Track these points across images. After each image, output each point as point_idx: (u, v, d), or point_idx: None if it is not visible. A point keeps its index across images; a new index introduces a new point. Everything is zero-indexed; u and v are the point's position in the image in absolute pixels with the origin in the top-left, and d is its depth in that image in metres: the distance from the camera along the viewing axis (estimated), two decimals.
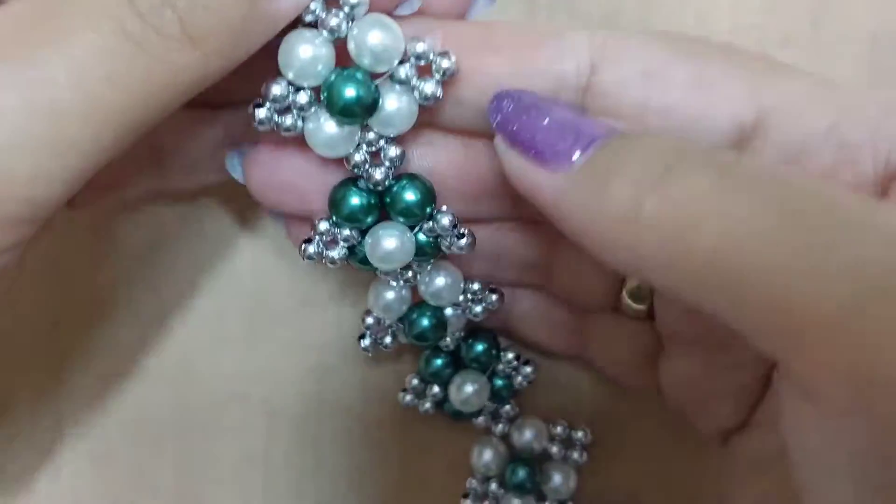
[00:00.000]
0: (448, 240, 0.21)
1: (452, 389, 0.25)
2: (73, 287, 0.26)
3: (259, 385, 0.26)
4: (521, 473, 0.25)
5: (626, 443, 0.26)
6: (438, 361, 0.25)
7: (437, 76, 0.19)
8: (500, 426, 0.25)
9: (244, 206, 0.26)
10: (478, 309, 0.23)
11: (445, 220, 0.21)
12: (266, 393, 0.26)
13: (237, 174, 0.22)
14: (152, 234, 0.26)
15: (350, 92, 0.19)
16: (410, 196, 0.20)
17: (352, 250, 0.21)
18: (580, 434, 0.25)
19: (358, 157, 0.20)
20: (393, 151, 0.20)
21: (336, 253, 0.21)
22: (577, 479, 0.25)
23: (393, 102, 0.19)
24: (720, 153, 0.16)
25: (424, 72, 0.19)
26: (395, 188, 0.20)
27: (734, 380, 0.22)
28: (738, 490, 0.22)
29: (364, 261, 0.21)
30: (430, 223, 0.21)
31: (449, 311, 0.23)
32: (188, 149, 0.23)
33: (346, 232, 0.21)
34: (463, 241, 0.21)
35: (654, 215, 0.15)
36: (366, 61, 0.19)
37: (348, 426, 0.26)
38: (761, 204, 0.14)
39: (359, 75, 0.19)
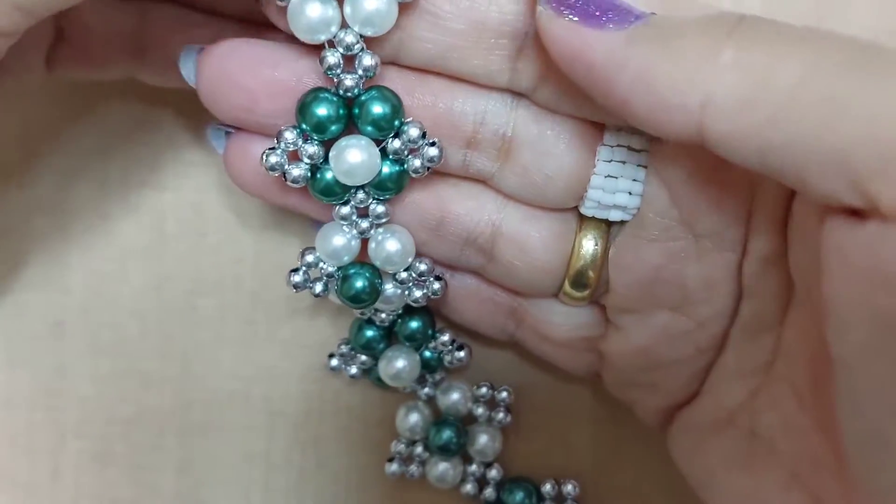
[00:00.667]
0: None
1: (382, 363, 0.24)
2: (74, 286, 0.26)
3: (260, 384, 0.26)
4: (446, 434, 0.25)
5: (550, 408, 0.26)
6: (369, 333, 0.24)
7: None
8: (426, 389, 0.25)
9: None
10: (417, 294, 0.22)
11: (414, 132, 0.20)
12: (267, 392, 0.26)
13: (188, 72, 0.21)
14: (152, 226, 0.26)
15: None
16: (379, 109, 0.20)
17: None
18: (504, 395, 0.25)
19: (332, 59, 0.19)
20: (368, 60, 0.19)
21: (298, 170, 0.20)
22: (501, 440, 0.25)
23: (372, 2, 0.19)
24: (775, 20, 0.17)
25: None
26: (364, 98, 0.20)
27: (690, 343, 0.22)
28: (697, 459, 0.22)
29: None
30: (398, 141, 0.20)
31: (389, 289, 0.22)
32: (171, 46, 0.22)
33: (311, 148, 0.20)
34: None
35: (733, 57, 0.16)
36: None
37: (349, 425, 0.26)
38: (838, 45, 0.16)
39: None
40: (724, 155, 0.17)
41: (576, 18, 0.18)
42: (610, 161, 0.21)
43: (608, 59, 0.17)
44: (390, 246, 0.21)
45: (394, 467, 0.25)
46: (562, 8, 0.18)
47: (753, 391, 0.21)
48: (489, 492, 0.25)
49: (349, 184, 0.20)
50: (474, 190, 0.22)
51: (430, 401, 0.25)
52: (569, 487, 0.25)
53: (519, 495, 0.25)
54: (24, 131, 0.26)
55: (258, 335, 0.26)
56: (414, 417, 0.25)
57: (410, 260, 0.22)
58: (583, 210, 0.21)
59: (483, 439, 0.25)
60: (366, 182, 0.20)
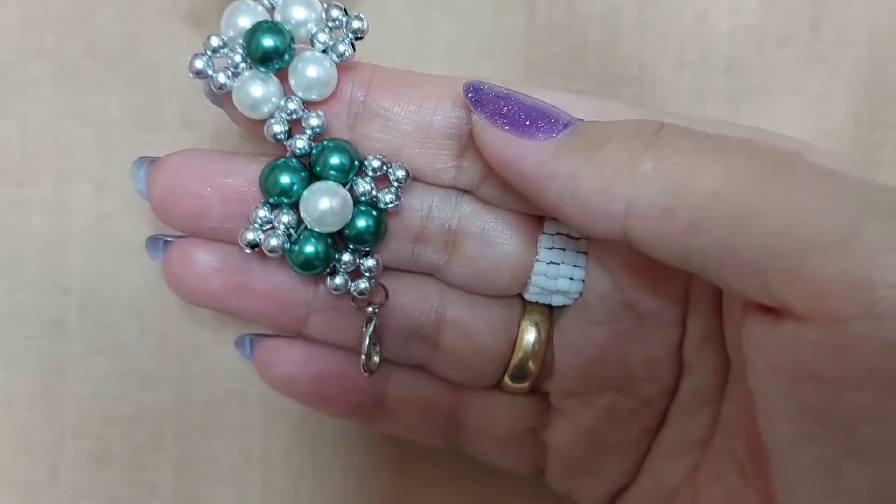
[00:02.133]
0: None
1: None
2: (73, 286, 0.26)
3: (258, 385, 0.26)
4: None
5: None
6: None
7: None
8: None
9: None
10: (387, 198, 0.21)
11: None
12: (265, 392, 0.26)
13: (138, 182, 0.22)
14: None
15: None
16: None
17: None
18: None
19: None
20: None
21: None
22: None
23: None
24: (691, 128, 0.18)
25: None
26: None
27: (635, 421, 0.23)
28: None
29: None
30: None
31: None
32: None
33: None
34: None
35: (652, 168, 0.17)
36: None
37: (346, 426, 0.26)
38: (749, 156, 0.17)
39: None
40: (649, 254, 0.18)
41: (507, 128, 0.19)
42: (551, 248, 0.22)
43: (538, 169, 0.19)
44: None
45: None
46: (494, 117, 0.19)
47: (694, 466, 0.22)
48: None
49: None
50: (418, 280, 0.23)
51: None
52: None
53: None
54: (24, 131, 0.26)
55: None
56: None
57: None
58: (526, 296, 0.22)
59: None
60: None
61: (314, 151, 0.21)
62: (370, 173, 0.21)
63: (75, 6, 0.26)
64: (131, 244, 0.26)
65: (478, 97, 0.19)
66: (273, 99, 0.20)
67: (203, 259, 0.21)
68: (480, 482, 0.26)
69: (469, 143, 0.21)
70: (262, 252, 0.20)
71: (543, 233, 0.22)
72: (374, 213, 0.21)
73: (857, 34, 0.26)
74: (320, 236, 0.21)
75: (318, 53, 0.20)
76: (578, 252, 0.22)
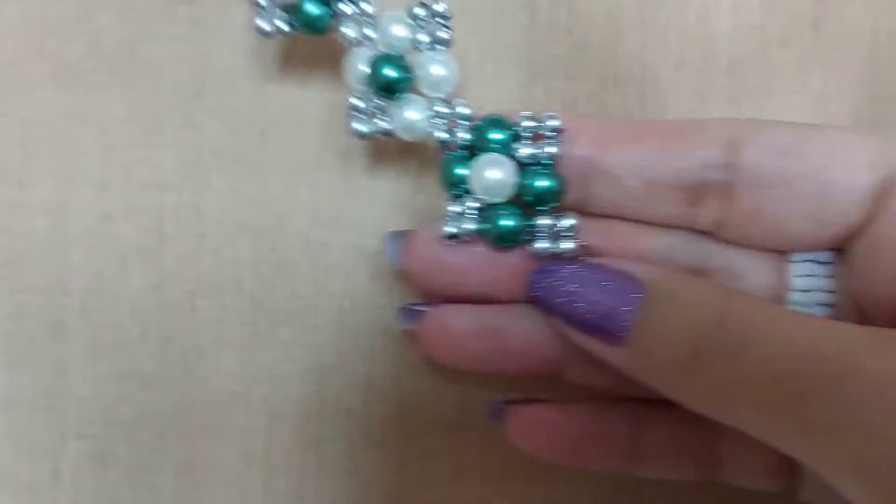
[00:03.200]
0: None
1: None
2: (74, 287, 0.26)
3: (260, 386, 0.26)
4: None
5: None
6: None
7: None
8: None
9: None
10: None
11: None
12: (267, 394, 0.26)
13: (393, 254, 0.23)
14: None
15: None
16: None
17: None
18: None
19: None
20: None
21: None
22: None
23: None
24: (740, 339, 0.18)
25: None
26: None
27: None
28: None
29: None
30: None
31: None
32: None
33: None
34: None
35: (696, 393, 0.18)
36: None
37: (349, 427, 0.26)
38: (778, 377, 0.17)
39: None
40: None
41: (581, 334, 0.20)
42: (802, 276, 0.22)
43: (623, 368, 0.20)
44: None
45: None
46: (566, 322, 0.21)
47: None
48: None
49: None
50: None
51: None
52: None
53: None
54: (25, 132, 0.26)
55: (258, 336, 0.26)
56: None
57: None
58: None
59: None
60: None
61: (473, 137, 0.22)
62: (525, 134, 0.22)
63: (77, 7, 0.26)
64: (133, 245, 0.26)
65: (542, 301, 0.20)
66: (425, 112, 0.22)
67: (460, 326, 0.22)
68: (483, 483, 0.26)
69: (706, 192, 0.21)
70: (463, 241, 0.22)
71: (792, 261, 0.22)
72: (547, 171, 0.22)
73: (858, 34, 0.26)
74: (508, 209, 0.22)
75: (430, 53, 0.22)
76: (828, 277, 0.22)
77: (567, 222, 0.22)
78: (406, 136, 0.22)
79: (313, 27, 0.23)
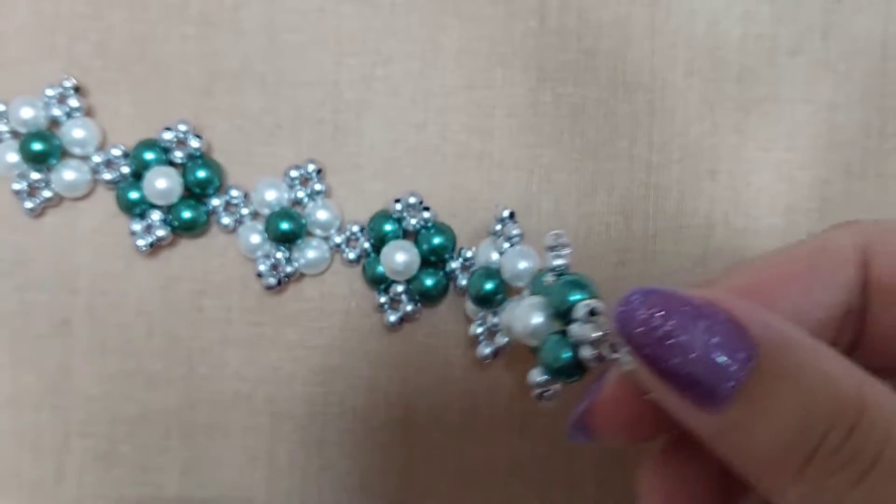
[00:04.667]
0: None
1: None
2: (81, 286, 0.26)
3: (265, 386, 0.26)
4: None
5: None
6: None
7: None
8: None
9: None
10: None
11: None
12: (271, 394, 0.26)
13: (581, 438, 0.20)
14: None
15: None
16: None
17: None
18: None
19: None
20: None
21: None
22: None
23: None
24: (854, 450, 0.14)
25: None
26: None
27: None
28: None
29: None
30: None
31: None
32: None
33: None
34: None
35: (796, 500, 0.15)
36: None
37: (353, 428, 0.26)
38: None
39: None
40: None
41: (671, 389, 0.16)
42: None
43: (710, 440, 0.16)
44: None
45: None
46: (658, 373, 0.16)
47: None
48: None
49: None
50: None
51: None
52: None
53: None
54: None
55: (264, 337, 0.26)
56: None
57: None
58: None
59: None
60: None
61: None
62: (583, 319, 0.21)
63: (87, 6, 0.26)
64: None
65: (638, 338, 0.16)
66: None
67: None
68: (486, 485, 0.26)
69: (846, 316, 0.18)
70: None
71: None
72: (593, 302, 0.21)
73: (868, 43, 0.26)
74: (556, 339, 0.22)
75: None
76: None
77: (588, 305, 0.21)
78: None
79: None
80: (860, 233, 0.18)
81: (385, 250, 0.25)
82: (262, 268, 0.26)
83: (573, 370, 0.22)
